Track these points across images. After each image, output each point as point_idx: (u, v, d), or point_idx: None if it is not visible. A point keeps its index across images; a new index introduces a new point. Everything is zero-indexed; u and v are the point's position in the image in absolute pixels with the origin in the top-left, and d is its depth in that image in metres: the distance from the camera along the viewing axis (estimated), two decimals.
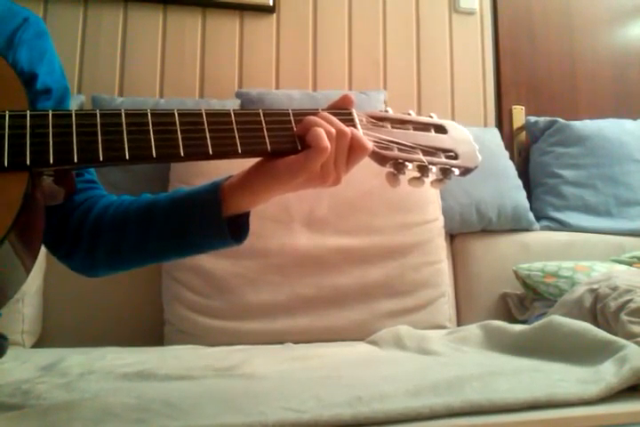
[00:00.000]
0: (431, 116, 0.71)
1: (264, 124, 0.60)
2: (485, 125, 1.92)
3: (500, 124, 1.94)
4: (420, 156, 0.65)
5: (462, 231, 1.61)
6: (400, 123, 0.68)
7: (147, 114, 0.58)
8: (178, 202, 0.68)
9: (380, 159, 0.64)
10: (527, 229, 1.65)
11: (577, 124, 1.80)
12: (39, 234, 0.56)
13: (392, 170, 0.65)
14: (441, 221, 1.48)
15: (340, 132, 0.59)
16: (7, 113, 0.53)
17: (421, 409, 0.58)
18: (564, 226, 1.68)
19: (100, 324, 1.34)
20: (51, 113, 0.55)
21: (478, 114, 1.92)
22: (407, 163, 0.64)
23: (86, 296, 1.34)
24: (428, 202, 1.46)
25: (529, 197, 1.70)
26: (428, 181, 0.66)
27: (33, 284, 1.30)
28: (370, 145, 0.61)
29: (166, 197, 0.69)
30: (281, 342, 1.21)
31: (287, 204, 1.35)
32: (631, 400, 0.62)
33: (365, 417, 0.57)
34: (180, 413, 0.59)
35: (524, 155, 1.91)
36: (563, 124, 1.80)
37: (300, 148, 0.60)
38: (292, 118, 0.62)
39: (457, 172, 0.67)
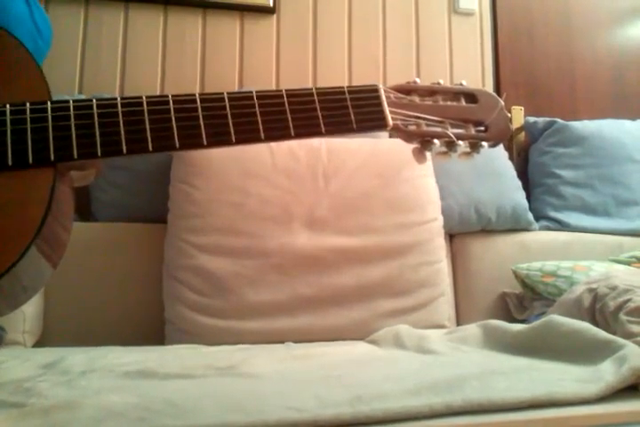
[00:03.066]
0: (462, 84, 0.69)
1: (288, 106, 0.59)
2: None
3: None
4: (448, 131, 0.64)
5: (461, 231, 1.62)
6: (429, 94, 0.67)
7: (168, 101, 0.55)
8: None
9: (407, 136, 0.63)
10: (526, 229, 1.65)
11: (576, 124, 1.80)
12: (67, 229, 0.55)
13: (419, 146, 0.63)
14: (440, 221, 1.48)
15: None
16: (28, 106, 0.52)
17: (421, 408, 0.58)
18: (562, 226, 1.68)
19: (101, 323, 1.34)
20: (72, 104, 0.53)
21: None
22: (435, 140, 0.63)
23: (87, 296, 1.34)
24: (427, 202, 1.46)
25: (528, 198, 1.70)
26: (455, 155, 0.65)
27: None
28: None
29: None
30: (281, 342, 1.21)
31: (287, 204, 1.36)
32: (630, 400, 0.63)
33: (365, 416, 0.57)
34: (181, 412, 0.59)
35: (522, 155, 1.91)
36: (562, 125, 1.81)
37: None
38: (315, 98, 0.60)
39: (486, 145, 0.66)
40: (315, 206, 1.37)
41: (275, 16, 1.80)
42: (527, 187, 1.77)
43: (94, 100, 0.54)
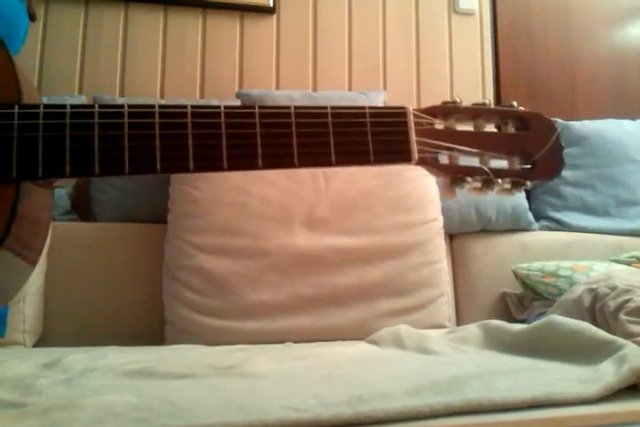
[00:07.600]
0: (512, 106, 0.60)
1: (295, 128, 0.50)
2: None
3: None
4: (486, 167, 0.54)
5: (462, 231, 1.62)
6: (471, 118, 0.56)
7: (154, 113, 0.47)
8: None
9: (436, 171, 0.54)
10: (526, 229, 1.65)
11: (576, 124, 1.80)
12: (44, 229, 0.53)
13: (448, 180, 0.55)
14: (440, 221, 1.48)
15: None
16: None
17: (421, 408, 0.58)
18: (562, 226, 1.68)
19: (101, 323, 1.34)
20: (42, 111, 0.45)
21: None
22: (468, 178, 0.54)
23: (87, 296, 1.34)
24: (427, 202, 1.46)
25: (528, 198, 1.70)
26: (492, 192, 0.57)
27: (34, 283, 1.30)
28: None
29: None
30: (281, 342, 1.21)
31: (287, 204, 1.35)
32: (630, 400, 0.63)
33: (365, 416, 0.57)
34: (182, 411, 0.59)
35: None
36: (562, 125, 1.80)
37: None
38: (329, 120, 0.51)
39: (529, 184, 0.56)
40: (315, 206, 1.37)
41: (275, 16, 1.80)
42: None
43: (68, 108, 0.46)
